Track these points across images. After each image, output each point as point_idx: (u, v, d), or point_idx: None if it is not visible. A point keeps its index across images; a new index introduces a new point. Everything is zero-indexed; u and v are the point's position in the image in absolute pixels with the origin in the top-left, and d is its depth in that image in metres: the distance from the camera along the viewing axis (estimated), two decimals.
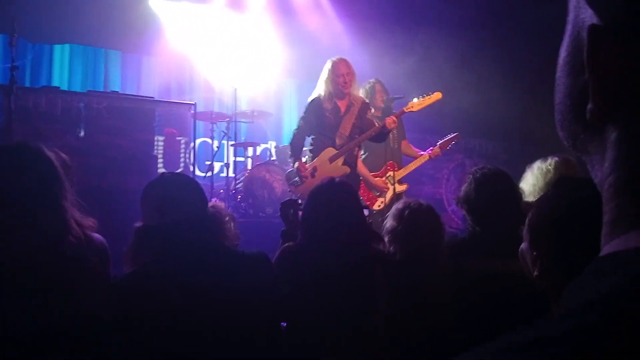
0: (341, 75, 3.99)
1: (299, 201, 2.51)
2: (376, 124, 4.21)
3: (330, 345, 2.02)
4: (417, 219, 2.21)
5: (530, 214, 1.24)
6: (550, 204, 1.22)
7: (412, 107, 4.14)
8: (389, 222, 2.28)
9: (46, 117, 4.44)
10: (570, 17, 0.44)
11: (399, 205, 2.31)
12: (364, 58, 5.96)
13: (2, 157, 1.69)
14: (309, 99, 4.17)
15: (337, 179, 2.26)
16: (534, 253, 1.18)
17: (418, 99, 4.15)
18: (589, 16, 0.41)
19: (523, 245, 1.24)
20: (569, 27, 0.45)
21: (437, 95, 4.15)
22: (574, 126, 0.45)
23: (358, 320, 2.04)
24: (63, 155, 1.85)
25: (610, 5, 0.40)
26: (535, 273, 1.18)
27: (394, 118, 4.00)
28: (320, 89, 4.09)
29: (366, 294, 2.07)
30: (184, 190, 1.83)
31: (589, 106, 0.41)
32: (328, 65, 4.05)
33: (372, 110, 4.31)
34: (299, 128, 4.17)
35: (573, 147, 0.47)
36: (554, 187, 1.27)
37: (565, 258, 1.12)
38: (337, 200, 2.13)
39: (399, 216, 2.24)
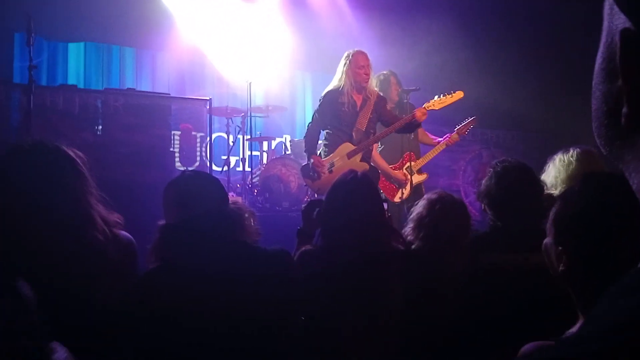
0: (362, 67, 3.92)
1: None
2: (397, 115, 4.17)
3: (347, 340, 2.02)
4: (448, 214, 2.17)
5: (554, 208, 1.22)
6: (577, 198, 1.20)
7: (433, 105, 4.00)
8: (417, 210, 2.24)
9: (64, 115, 4.49)
10: (605, 24, 0.45)
11: (432, 196, 2.25)
12: (376, 49, 5.90)
13: (21, 155, 1.70)
14: (324, 91, 4.11)
15: (359, 173, 2.24)
16: (559, 248, 1.16)
17: (439, 97, 4.03)
18: (622, 22, 0.41)
19: (547, 240, 1.21)
20: (603, 34, 0.45)
21: (459, 95, 4.03)
22: (609, 132, 0.45)
23: (374, 317, 2.03)
24: (80, 154, 1.86)
25: None
26: (561, 268, 1.16)
27: (425, 110, 3.88)
28: (337, 81, 4.02)
29: (382, 291, 2.06)
30: (204, 188, 1.84)
31: (624, 110, 0.41)
32: (348, 57, 3.97)
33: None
34: (313, 121, 4.13)
35: (609, 154, 0.46)
36: (580, 182, 1.25)
37: (592, 255, 1.10)
38: (358, 194, 2.12)
39: (430, 207, 2.20)
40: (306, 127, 4.19)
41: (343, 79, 3.97)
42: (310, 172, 4.00)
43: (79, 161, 1.74)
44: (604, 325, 0.35)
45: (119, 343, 1.73)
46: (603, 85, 0.45)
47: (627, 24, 0.41)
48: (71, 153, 1.75)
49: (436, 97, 4.04)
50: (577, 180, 2.47)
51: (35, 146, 1.72)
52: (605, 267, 1.06)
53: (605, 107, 0.44)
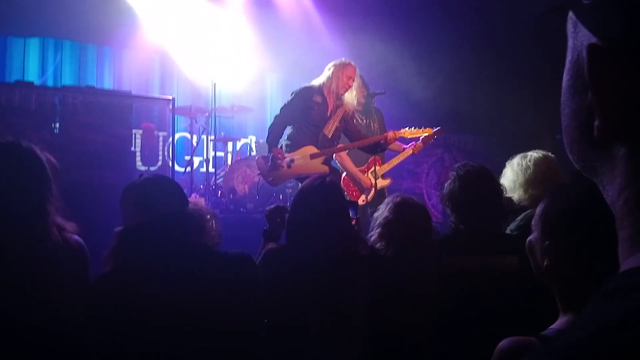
0: (350, 78, 4.01)
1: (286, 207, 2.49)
2: (359, 125, 4.23)
3: (312, 343, 2.01)
4: (415, 217, 2.19)
5: (542, 203, 1.24)
6: (568, 194, 1.23)
7: (404, 133, 4.19)
8: (382, 214, 2.24)
9: (20, 113, 4.33)
10: (569, 43, 0.47)
11: (396, 199, 2.26)
12: (342, 51, 5.93)
13: None
14: (300, 87, 4.12)
15: (327, 179, 2.24)
16: (546, 242, 1.18)
17: (410, 128, 4.21)
18: (586, 38, 0.43)
19: (532, 237, 1.24)
20: (568, 53, 0.47)
21: (429, 130, 4.24)
22: (582, 147, 0.46)
23: (339, 320, 2.03)
24: (52, 159, 1.83)
25: (608, 25, 0.41)
26: (546, 263, 1.17)
27: (396, 135, 4.04)
28: (320, 80, 4.07)
29: (347, 295, 2.06)
30: (163, 191, 1.81)
31: (596, 123, 0.42)
32: (342, 63, 4.04)
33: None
34: (280, 115, 4.10)
35: (582, 169, 0.48)
36: (571, 178, 1.28)
37: (579, 250, 1.13)
38: (326, 200, 2.12)
39: (397, 211, 2.20)
40: (273, 118, 4.16)
41: (327, 80, 4.02)
42: (267, 162, 3.98)
43: (47, 167, 1.71)
44: (596, 326, 0.36)
45: (72, 349, 1.68)
46: (572, 102, 0.46)
47: (593, 40, 0.42)
48: (43, 157, 1.72)
49: (407, 128, 4.19)
50: (537, 183, 2.55)
51: (7, 145, 1.68)
52: (591, 263, 1.10)
53: (575, 122, 0.46)
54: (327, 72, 4.06)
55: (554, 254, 1.16)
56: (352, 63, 4.08)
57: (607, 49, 0.41)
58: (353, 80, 4.03)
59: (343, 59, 4.09)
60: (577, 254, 1.13)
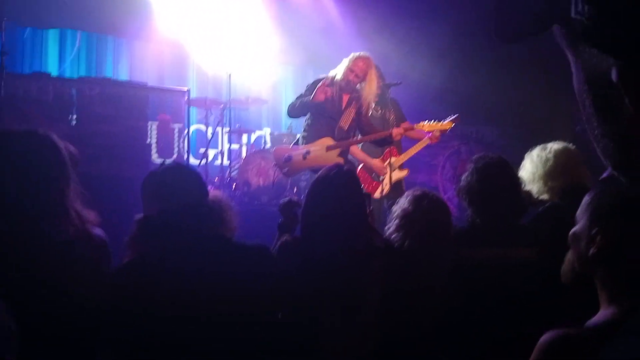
0: (352, 71, 4.00)
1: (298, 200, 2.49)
2: (372, 118, 4.22)
3: (325, 337, 2.00)
4: (435, 210, 2.16)
5: (591, 193, 1.23)
6: (617, 183, 1.23)
7: (422, 126, 4.18)
8: (402, 207, 2.21)
9: (37, 104, 4.38)
10: (570, 58, 0.50)
11: (416, 192, 2.23)
12: (357, 42, 5.89)
13: (10, 142, 1.70)
14: (316, 79, 4.18)
15: (344, 167, 2.22)
16: (594, 230, 1.17)
17: (429, 122, 4.19)
18: (599, 57, 0.46)
19: (577, 227, 1.23)
20: (577, 71, 0.50)
21: (449, 125, 4.20)
22: (630, 162, 0.47)
23: (353, 312, 2.02)
24: (72, 147, 1.86)
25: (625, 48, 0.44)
26: (592, 251, 1.17)
27: (401, 131, 4.05)
28: (332, 73, 4.11)
29: (361, 286, 2.04)
30: (184, 180, 1.81)
31: None
32: (353, 56, 4.05)
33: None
34: (296, 102, 4.15)
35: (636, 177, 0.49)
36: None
37: (630, 238, 1.13)
38: (340, 189, 2.09)
39: (416, 203, 2.17)
40: (288, 107, 4.20)
41: (337, 73, 4.05)
42: (285, 153, 4.02)
43: (64, 152, 1.74)
44: None
45: (90, 337, 1.70)
46: (606, 124, 0.48)
47: (613, 63, 0.45)
48: (60, 144, 1.75)
49: (426, 122, 4.18)
50: (557, 175, 2.51)
51: (26, 134, 1.72)
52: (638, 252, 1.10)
53: (618, 143, 0.48)
54: (339, 66, 4.09)
55: (601, 242, 1.15)
56: (364, 56, 4.05)
57: (632, 67, 0.43)
58: (355, 75, 4.00)
59: (359, 53, 4.09)
60: (626, 242, 1.13)
